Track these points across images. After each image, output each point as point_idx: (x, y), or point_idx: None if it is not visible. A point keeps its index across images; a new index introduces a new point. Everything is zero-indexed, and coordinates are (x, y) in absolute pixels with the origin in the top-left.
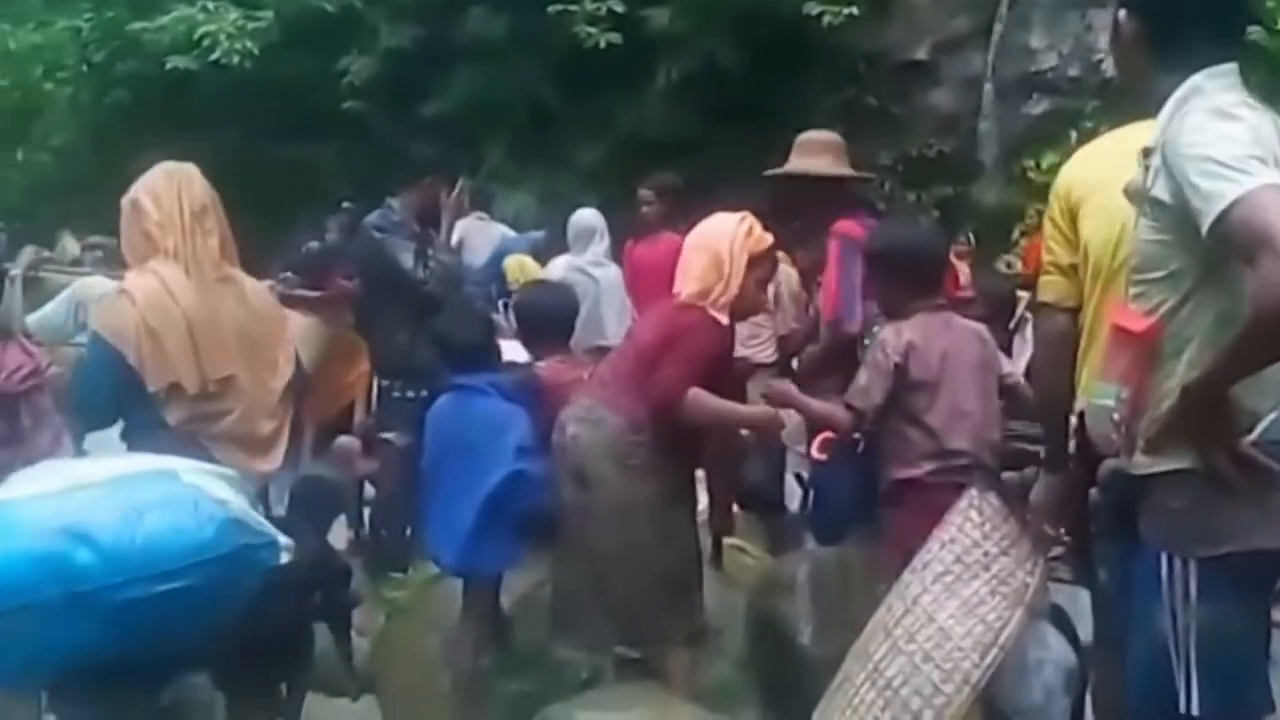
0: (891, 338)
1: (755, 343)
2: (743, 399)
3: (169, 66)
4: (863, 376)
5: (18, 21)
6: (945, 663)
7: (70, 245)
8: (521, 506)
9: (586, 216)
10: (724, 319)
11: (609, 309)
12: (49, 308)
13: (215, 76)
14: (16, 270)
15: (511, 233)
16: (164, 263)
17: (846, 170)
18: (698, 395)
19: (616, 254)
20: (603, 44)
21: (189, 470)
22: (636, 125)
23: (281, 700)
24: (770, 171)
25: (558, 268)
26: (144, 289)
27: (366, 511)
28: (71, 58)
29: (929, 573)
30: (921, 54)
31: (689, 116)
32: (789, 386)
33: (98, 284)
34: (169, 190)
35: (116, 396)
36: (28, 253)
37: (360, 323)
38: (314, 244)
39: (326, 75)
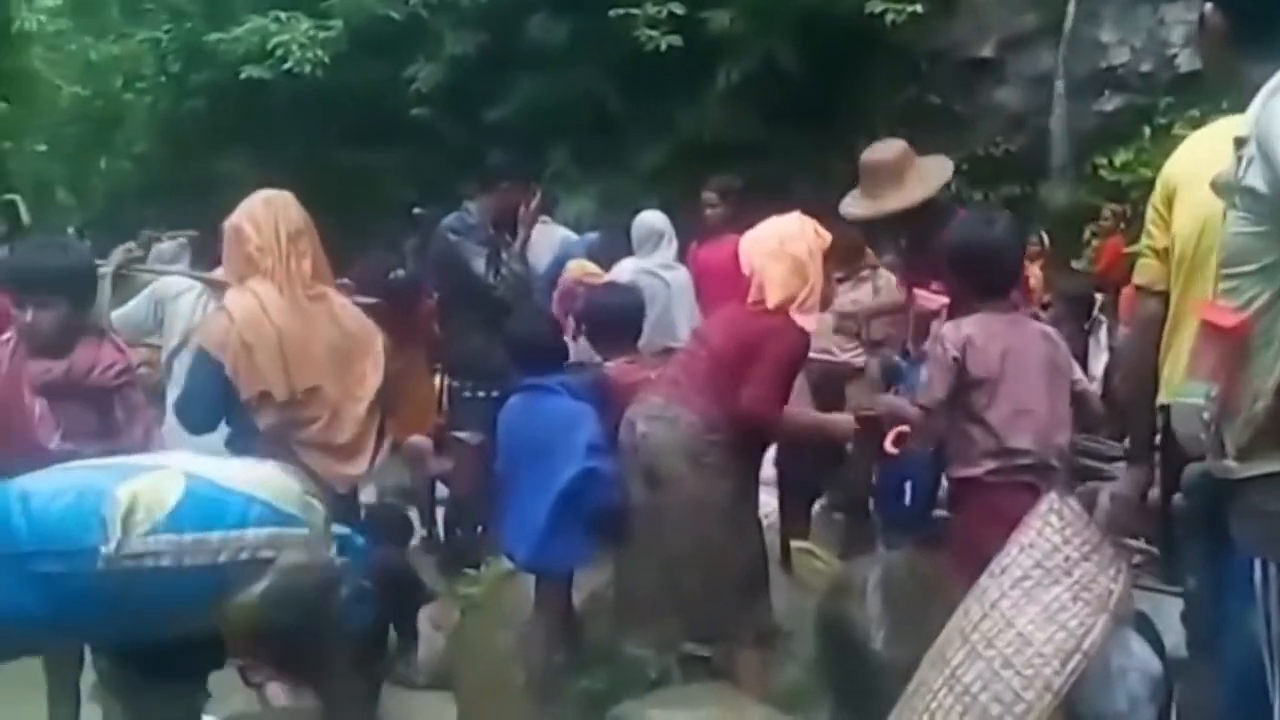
0: (951, 333)
1: (851, 347)
2: (842, 401)
3: (243, 76)
4: (925, 373)
5: (98, 34)
6: (1026, 669)
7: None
8: (593, 503)
9: (653, 219)
10: (809, 321)
11: (680, 311)
12: (130, 305)
13: (287, 85)
14: (107, 268)
15: (573, 235)
16: (261, 282)
17: (930, 188)
18: (790, 413)
19: (680, 256)
20: (663, 47)
21: (181, 464)
22: (697, 127)
23: (360, 694)
24: (853, 214)
25: (625, 270)
26: (242, 306)
27: (440, 510)
28: (150, 68)
29: (1007, 577)
30: (987, 51)
31: (750, 118)
32: (894, 400)
33: (175, 284)
34: (268, 217)
35: (219, 404)
36: (119, 252)
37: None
38: (400, 272)
39: (394, 82)
